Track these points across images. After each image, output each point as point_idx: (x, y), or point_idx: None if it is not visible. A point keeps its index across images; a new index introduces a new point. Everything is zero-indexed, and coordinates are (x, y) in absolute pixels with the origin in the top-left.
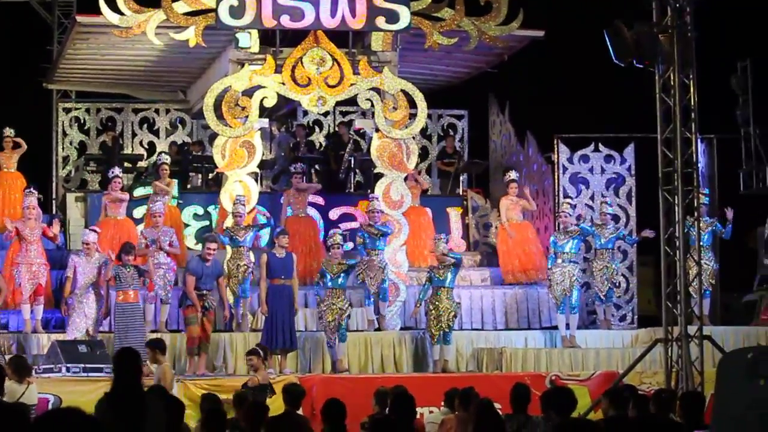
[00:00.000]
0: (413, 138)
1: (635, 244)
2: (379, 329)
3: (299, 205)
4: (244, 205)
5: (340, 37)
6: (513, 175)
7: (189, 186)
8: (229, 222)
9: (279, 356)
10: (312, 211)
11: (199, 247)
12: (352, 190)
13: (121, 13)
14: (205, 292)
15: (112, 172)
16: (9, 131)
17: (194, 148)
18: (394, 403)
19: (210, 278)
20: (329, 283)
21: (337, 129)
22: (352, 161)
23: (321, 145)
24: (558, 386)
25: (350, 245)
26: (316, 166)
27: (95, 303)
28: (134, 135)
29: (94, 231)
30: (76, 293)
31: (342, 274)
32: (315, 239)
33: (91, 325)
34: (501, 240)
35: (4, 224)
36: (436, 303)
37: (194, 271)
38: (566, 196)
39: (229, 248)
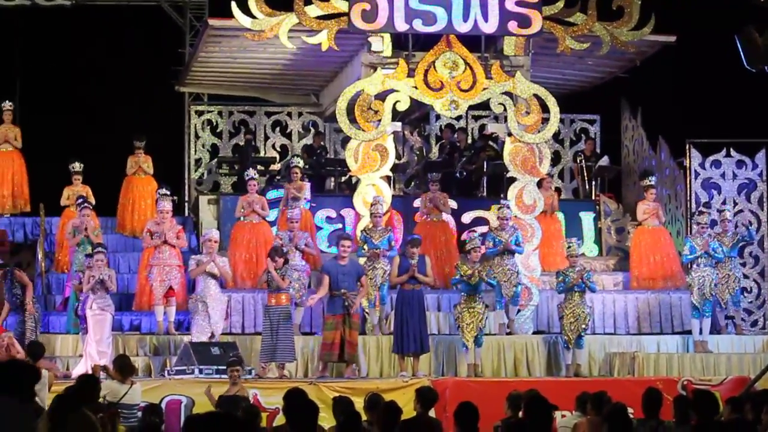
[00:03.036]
0: (546, 142)
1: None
2: (510, 333)
3: (433, 209)
4: (382, 204)
5: (472, 41)
6: (651, 180)
7: (324, 189)
8: (364, 223)
9: (411, 359)
10: (446, 215)
11: (332, 250)
12: (484, 194)
13: (254, 17)
14: (344, 290)
15: (248, 174)
16: (140, 144)
17: (317, 141)
18: (529, 406)
19: (349, 277)
20: (467, 287)
21: (440, 133)
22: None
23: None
24: (702, 390)
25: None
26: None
27: (219, 304)
28: (266, 138)
29: (216, 230)
30: (197, 295)
31: (480, 279)
32: (448, 243)
33: (216, 327)
34: (635, 244)
35: (143, 228)
36: (572, 307)
37: (327, 269)
38: (702, 203)
39: (365, 249)
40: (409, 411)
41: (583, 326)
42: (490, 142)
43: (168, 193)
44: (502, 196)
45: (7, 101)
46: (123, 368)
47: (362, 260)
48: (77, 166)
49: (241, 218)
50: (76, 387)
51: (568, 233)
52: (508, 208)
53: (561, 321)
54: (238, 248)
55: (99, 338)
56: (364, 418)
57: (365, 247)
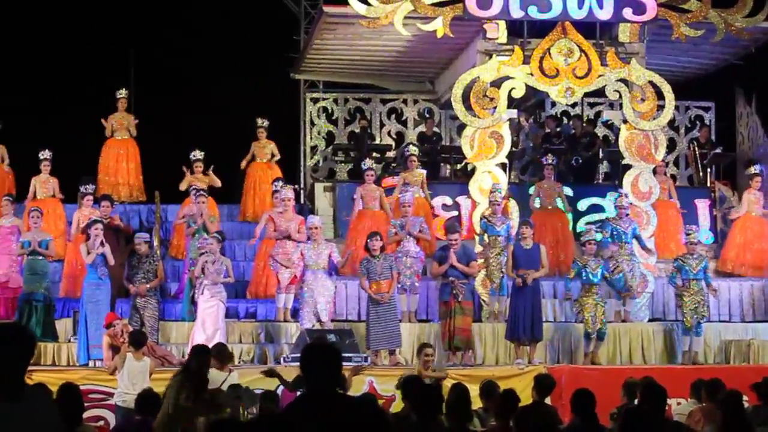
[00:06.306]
0: (661, 129)
1: None
2: (624, 321)
3: (548, 197)
4: (501, 192)
5: (587, 28)
6: (756, 168)
7: (439, 176)
8: (481, 210)
9: (527, 347)
10: (561, 203)
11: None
12: (600, 180)
13: (369, 4)
14: (452, 278)
15: (365, 165)
16: (262, 122)
17: (429, 127)
18: (645, 393)
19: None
20: (587, 278)
21: (544, 121)
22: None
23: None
24: None
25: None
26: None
27: (326, 291)
28: (382, 125)
29: (318, 216)
30: (304, 283)
31: (599, 270)
32: (563, 231)
33: (322, 314)
34: (736, 227)
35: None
36: (691, 294)
37: (438, 257)
38: None
39: (485, 237)
40: (525, 398)
41: (703, 313)
42: (598, 130)
43: (287, 183)
44: (616, 183)
45: (122, 89)
46: (221, 356)
47: (480, 248)
48: (197, 154)
49: (361, 206)
50: None
51: (684, 220)
52: (627, 197)
53: (680, 308)
54: (358, 235)
55: (210, 326)
56: (479, 405)
57: (486, 236)
